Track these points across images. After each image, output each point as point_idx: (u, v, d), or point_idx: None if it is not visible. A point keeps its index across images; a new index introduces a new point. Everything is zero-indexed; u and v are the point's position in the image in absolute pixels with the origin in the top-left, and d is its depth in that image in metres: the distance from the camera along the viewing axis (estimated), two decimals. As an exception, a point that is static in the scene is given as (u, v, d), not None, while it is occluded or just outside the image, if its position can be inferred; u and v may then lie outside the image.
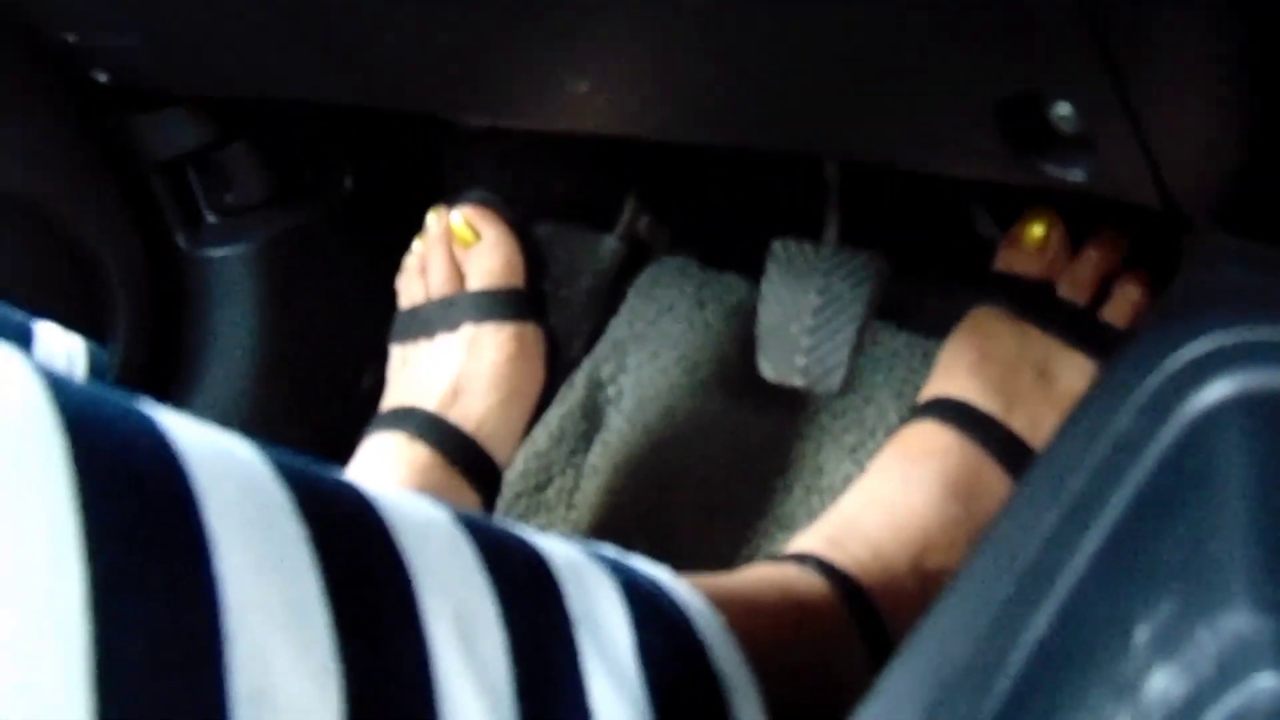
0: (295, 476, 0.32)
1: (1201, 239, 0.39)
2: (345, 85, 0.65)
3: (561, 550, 0.40)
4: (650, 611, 0.40)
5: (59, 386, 0.29)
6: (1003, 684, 0.27)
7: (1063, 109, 0.38)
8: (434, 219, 0.82)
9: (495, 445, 0.77)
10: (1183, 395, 0.31)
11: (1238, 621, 0.33)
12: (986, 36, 0.35)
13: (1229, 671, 0.33)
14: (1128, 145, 0.36)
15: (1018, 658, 0.28)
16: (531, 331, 0.80)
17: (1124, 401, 0.31)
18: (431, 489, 0.72)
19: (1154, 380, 0.32)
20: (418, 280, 0.83)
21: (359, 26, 0.57)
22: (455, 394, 0.76)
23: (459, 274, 0.81)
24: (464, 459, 0.74)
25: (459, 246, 0.81)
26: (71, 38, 0.77)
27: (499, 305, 0.79)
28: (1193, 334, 0.32)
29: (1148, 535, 0.31)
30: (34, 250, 0.84)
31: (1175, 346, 0.32)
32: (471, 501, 0.75)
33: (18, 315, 0.80)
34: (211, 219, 0.91)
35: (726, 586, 0.50)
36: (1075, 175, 0.39)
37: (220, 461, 0.31)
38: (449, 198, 0.85)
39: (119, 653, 0.26)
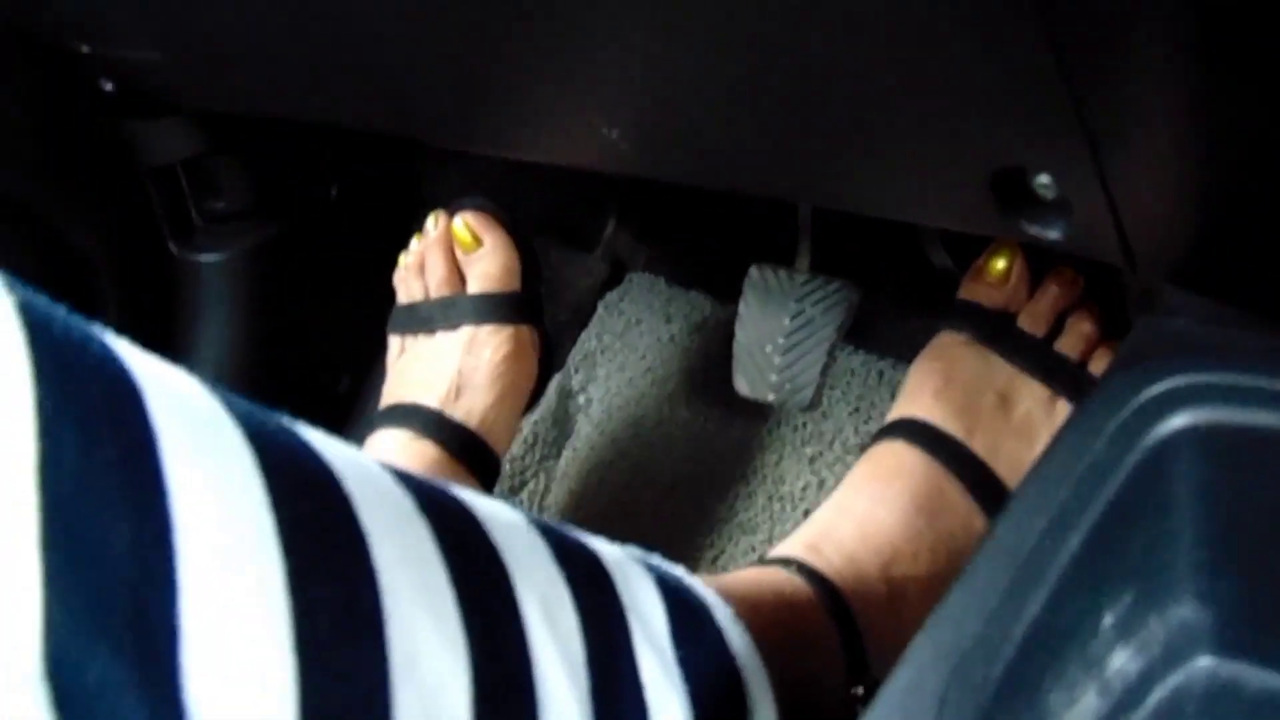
0: (411, 482, 0.38)
1: (1158, 293, 0.46)
2: (375, 114, 0.69)
3: (607, 548, 0.46)
4: (679, 602, 0.47)
5: (229, 400, 0.34)
6: (1007, 655, 0.34)
7: (1044, 179, 0.45)
8: (433, 222, 0.87)
9: (494, 438, 0.82)
10: (1146, 427, 0.38)
11: (1183, 611, 0.40)
12: (987, 117, 0.42)
13: (1174, 653, 0.40)
14: (1101, 214, 0.43)
15: (1017, 635, 0.35)
16: (527, 332, 0.85)
17: (1099, 430, 0.38)
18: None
19: (1123, 414, 0.39)
20: (416, 278, 0.87)
21: (402, 62, 0.60)
22: (457, 391, 0.81)
23: (459, 275, 0.86)
24: (467, 453, 0.80)
25: (459, 249, 0.85)
26: (84, 48, 0.78)
27: (498, 308, 0.84)
28: (1154, 376, 0.39)
29: (1116, 539, 0.38)
30: (24, 250, 0.85)
31: (1140, 386, 0.39)
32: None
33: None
34: (200, 224, 0.93)
35: (729, 584, 0.56)
36: (1052, 235, 0.46)
37: (358, 468, 0.36)
38: (436, 207, 0.88)
39: (312, 627, 0.32)
